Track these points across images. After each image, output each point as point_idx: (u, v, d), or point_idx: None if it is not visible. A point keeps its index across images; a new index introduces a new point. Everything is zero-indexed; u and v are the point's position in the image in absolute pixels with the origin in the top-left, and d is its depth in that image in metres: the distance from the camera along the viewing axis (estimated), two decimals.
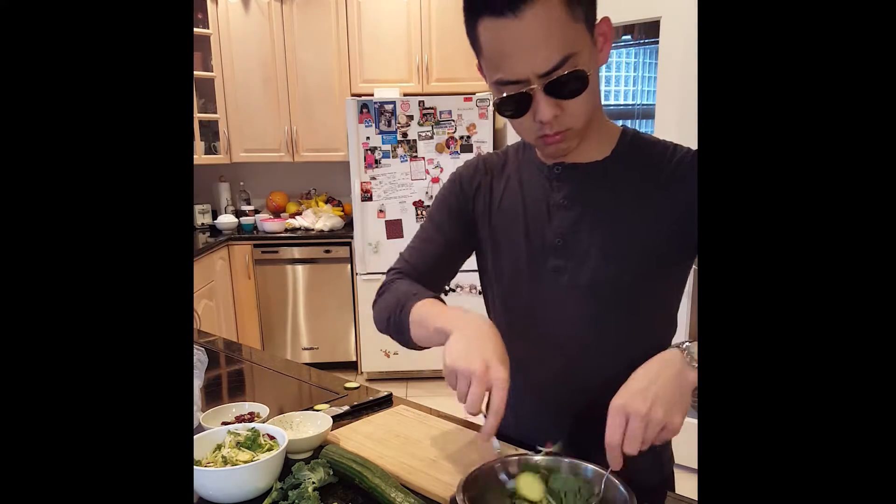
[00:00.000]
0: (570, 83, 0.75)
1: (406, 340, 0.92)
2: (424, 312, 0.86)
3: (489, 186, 0.96)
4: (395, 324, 0.92)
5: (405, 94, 3.41)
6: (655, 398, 0.71)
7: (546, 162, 0.91)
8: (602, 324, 0.88)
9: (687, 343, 0.75)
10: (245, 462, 0.85)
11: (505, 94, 0.77)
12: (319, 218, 3.69)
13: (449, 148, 3.32)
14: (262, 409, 1.09)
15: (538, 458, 0.81)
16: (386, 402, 1.20)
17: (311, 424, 1.03)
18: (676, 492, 0.89)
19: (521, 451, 0.88)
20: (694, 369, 0.73)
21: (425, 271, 0.98)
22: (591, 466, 0.78)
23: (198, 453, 0.88)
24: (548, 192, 0.90)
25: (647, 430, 0.70)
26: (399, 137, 3.31)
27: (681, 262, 0.92)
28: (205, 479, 0.83)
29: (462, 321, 0.80)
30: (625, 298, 0.86)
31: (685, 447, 2.60)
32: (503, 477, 0.79)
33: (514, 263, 0.92)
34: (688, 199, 0.82)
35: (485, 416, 0.78)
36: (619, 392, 0.74)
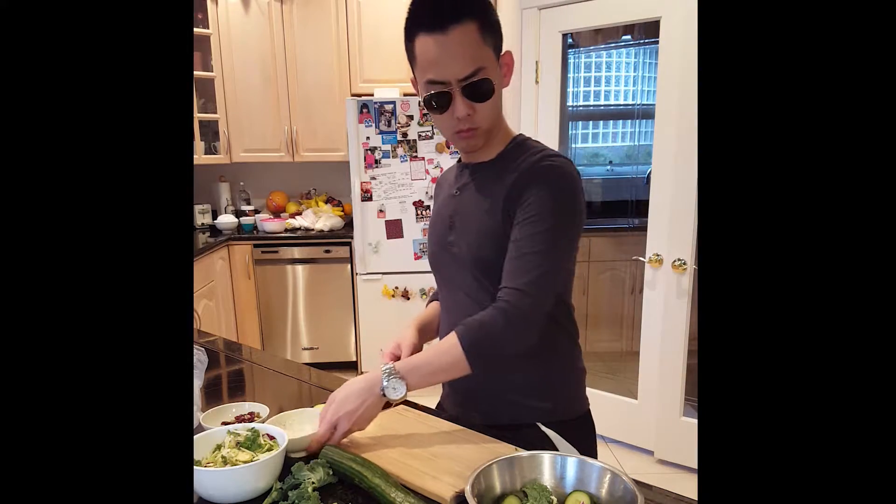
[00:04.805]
0: (480, 88, 0.99)
1: None
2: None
3: (439, 187, 1.25)
4: None
5: (405, 94, 3.41)
6: (346, 416, 0.99)
7: (461, 161, 1.18)
8: (478, 285, 1.09)
9: (392, 369, 1.00)
10: (245, 462, 0.85)
11: (433, 92, 1.00)
12: (319, 218, 3.68)
13: (449, 148, 3.32)
14: (262, 409, 1.09)
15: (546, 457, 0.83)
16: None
17: (308, 423, 1.03)
18: (675, 491, 0.89)
19: (524, 451, 0.88)
20: (382, 396, 1.00)
21: None
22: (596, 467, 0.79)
23: (198, 453, 0.88)
24: (453, 184, 1.17)
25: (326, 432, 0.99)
26: (399, 137, 3.31)
27: None
28: (205, 479, 0.83)
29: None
30: (487, 267, 1.06)
31: (685, 447, 2.61)
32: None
33: (433, 240, 1.19)
34: (512, 190, 1.02)
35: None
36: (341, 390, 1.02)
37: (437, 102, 1.00)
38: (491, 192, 1.07)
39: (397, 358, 1.14)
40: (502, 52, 1.04)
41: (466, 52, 0.96)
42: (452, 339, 1.00)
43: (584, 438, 1.15)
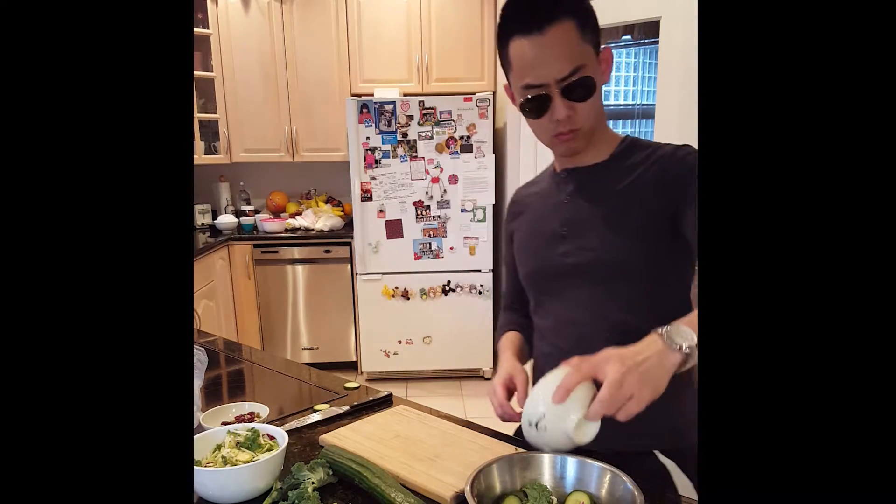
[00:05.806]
0: (581, 88, 0.94)
1: None
2: (500, 346, 1.15)
3: (523, 204, 1.18)
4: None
5: (405, 94, 3.41)
6: (635, 368, 0.76)
7: (557, 170, 1.10)
8: (604, 297, 1.01)
9: (664, 328, 0.80)
10: (245, 462, 0.85)
11: (530, 96, 0.95)
12: (319, 218, 3.68)
13: (449, 148, 3.32)
14: (262, 409, 1.09)
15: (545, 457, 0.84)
16: (386, 402, 1.20)
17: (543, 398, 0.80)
18: (679, 492, 0.89)
19: (523, 450, 0.88)
20: (675, 351, 0.78)
21: (514, 301, 1.25)
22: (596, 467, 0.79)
23: (198, 453, 0.88)
24: (555, 194, 1.09)
25: (615, 397, 0.75)
26: (399, 137, 3.31)
27: (669, 242, 0.99)
28: (205, 479, 0.83)
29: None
30: (619, 275, 1.00)
31: None
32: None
33: (531, 256, 1.11)
34: (665, 189, 0.97)
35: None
36: (608, 350, 0.80)
37: (534, 106, 0.96)
38: (621, 192, 1.00)
39: (511, 392, 0.97)
40: (601, 48, 0.99)
41: (565, 51, 0.92)
42: None
43: (694, 471, 1.01)
